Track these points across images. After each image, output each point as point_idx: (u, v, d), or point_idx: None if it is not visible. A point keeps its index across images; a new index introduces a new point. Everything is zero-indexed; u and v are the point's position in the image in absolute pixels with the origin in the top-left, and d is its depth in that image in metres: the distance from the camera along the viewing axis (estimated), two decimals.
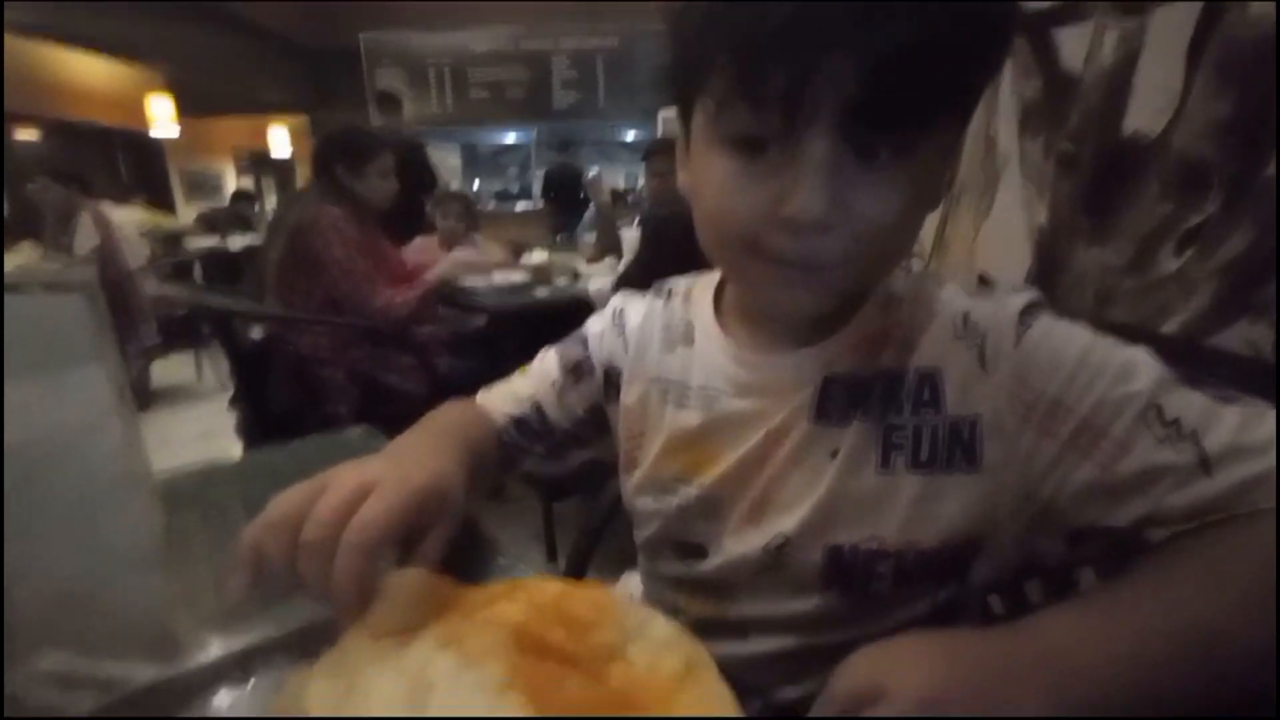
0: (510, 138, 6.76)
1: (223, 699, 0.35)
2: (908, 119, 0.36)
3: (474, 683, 0.29)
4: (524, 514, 1.84)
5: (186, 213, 6.40)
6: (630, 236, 2.48)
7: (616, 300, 0.61)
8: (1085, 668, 0.32)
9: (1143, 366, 0.38)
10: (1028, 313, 0.42)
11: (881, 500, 0.43)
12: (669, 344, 0.54)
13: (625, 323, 0.58)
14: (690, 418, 0.50)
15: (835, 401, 0.44)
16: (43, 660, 0.40)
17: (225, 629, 0.38)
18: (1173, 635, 0.32)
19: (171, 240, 4.44)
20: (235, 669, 0.36)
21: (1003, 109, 1.10)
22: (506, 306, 2.10)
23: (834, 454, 0.44)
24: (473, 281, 2.24)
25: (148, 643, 0.37)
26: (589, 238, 3.04)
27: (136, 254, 3.46)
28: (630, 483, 0.56)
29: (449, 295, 2.11)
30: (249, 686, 0.35)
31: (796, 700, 0.47)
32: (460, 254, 2.28)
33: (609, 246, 2.66)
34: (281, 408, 1.82)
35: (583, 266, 2.54)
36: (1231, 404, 0.37)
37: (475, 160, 6.68)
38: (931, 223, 1.25)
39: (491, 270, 2.33)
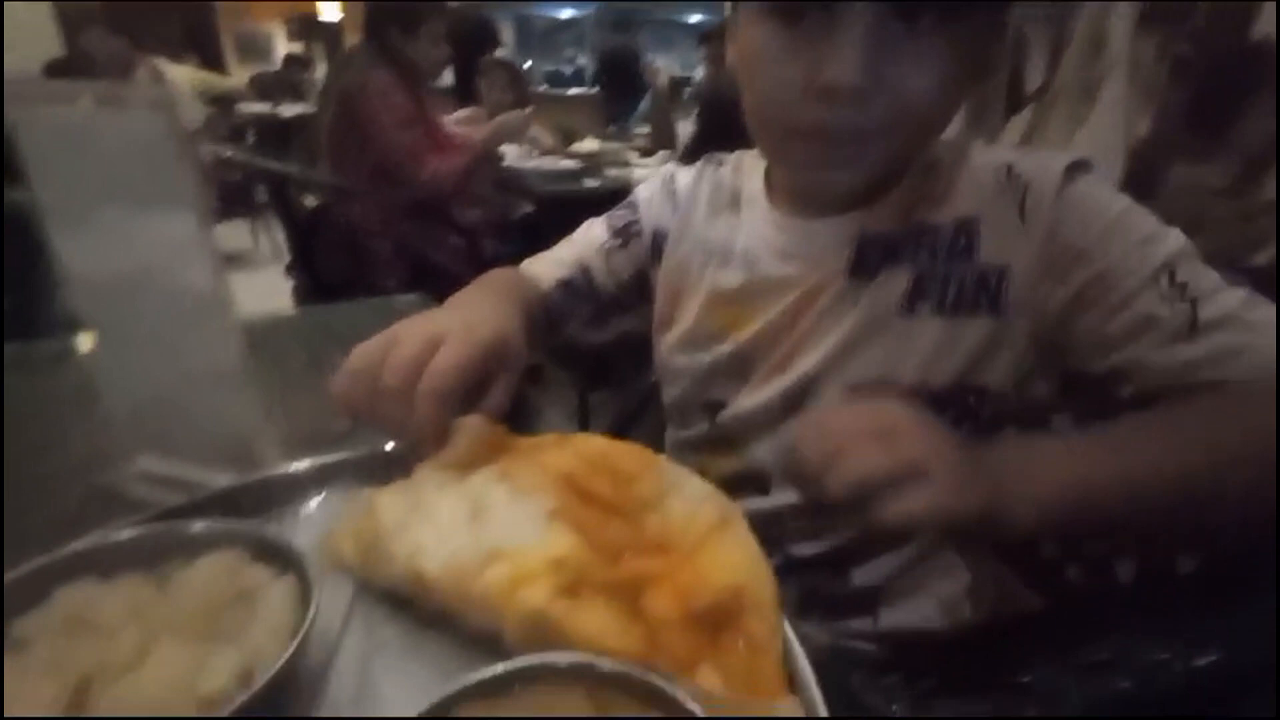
0: (567, 12, 6.35)
1: (298, 508, 0.39)
2: None
3: (525, 510, 0.32)
4: (560, 400, 1.91)
5: (238, 75, 6.31)
6: (686, 130, 2.37)
7: (668, 168, 0.62)
8: (1070, 481, 0.35)
9: (1173, 236, 0.41)
10: (1073, 169, 0.43)
11: (901, 341, 0.45)
12: (715, 209, 0.56)
13: (676, 187, 0.59)
14: (732, 278, 0.52)
15: (869, 258, 0.46)
16: (138, 461, 0.45)
17: (301, 449, 0.41)
18: (1153, 466, 0.35)
19: (225, 102, 4.41)
20: (311, 482, 0.39)
21: (1118, 6, 0.98)
22: (554, 193, 2.06)
23: (858, 302, 0.46)
24: (521, 164, 2.19)
25: (229, 451, 0.41)
26: (643, 129, 2.91)
27: (191, 115, 3.46)
28: (665, 341, 0.58)
29: (498, 178, 2.08)
30: (322, 497, 0.39)
31: (815, 556, 0.51)
32: (505, 116, 2.19)
33: (664, 139, 2.55)
34: (334, 277, 1.87)
35: (635, 158, 2.45)
36: (1245, 290, 0.39)
37: (529, 35, 6.34)
38: (1017, 130, 1.15)
39: (531, 130, 2.24)
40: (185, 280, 0.36)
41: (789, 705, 0.26)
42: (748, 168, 0.56)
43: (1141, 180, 0.94)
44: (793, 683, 0.27)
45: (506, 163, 2.20)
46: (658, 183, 0.61)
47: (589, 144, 2.46)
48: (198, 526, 0.31)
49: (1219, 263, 0.41)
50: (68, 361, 0.65)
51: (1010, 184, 0.43)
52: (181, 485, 0.42)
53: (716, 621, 0.29)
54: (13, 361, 0.67)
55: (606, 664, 0.25)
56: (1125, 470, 0.35)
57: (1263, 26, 0.80)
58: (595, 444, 0.37)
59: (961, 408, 0.46)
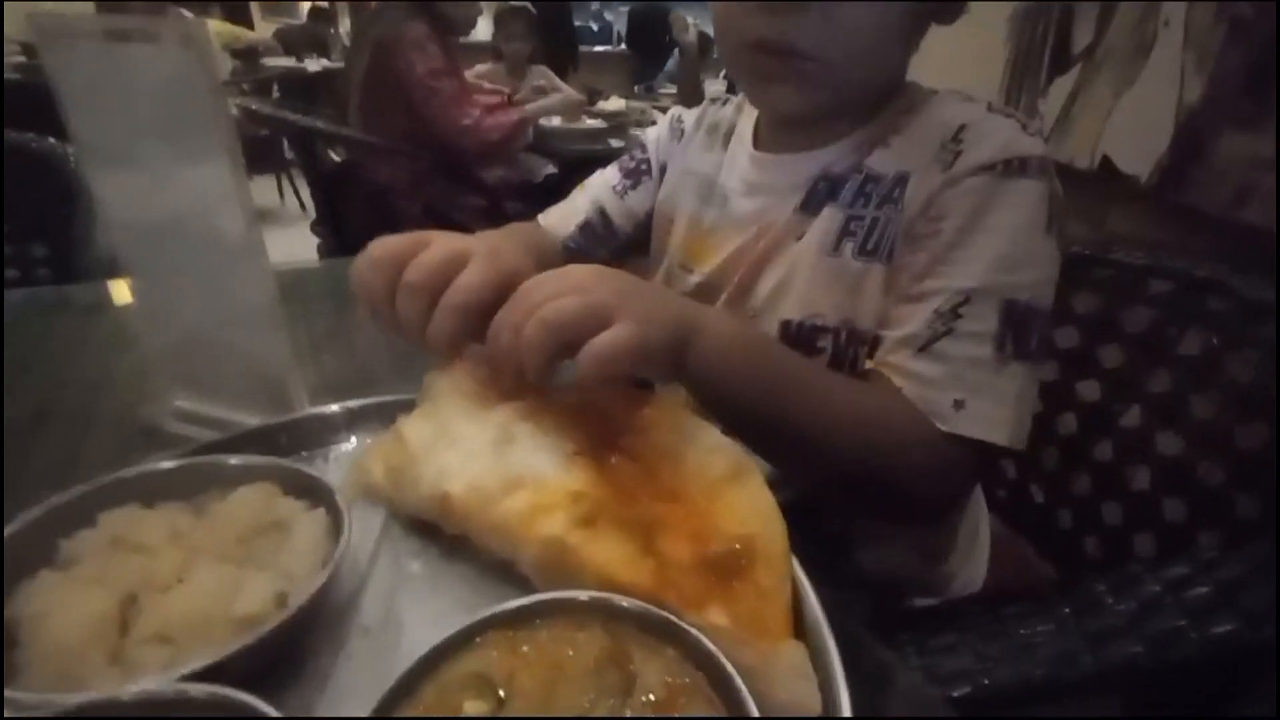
0: None
1: (329, 450, 0.40)
2: None
3: (548, 445, 0.32)
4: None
5: (263, 28, 6.26)
6: (714, 89, 2.31)
7: (675, 109, 0.65)
8: (751, 343, 0.39)
9: (1016, 276, 0.41)
10: (1014, 166, 0.42)
11: (827, 280, 0.47)
12: (710, 142, 0.58)
13: (683, 124, 0.62)
14: (709, 213, 0.55)
15: (819, 195, 0.48)
16: (175, 400, 0.46)
17: (329, 398, 0.42)
18: (811, 386, 0.40)
19: (250, 55, 4.40)
20: (342, 425, 0.40)
21: None
22: (578, 152, 2.04)
23: (799, 237, 0.48)
24: (546, 123, 2.16)
25: (261, 392, 0.42)
26: (670, 89, 2.85)
27: (220, 69, 3.45)
28: (658, 273, 0.61)
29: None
30: (352, 441, 0.40)
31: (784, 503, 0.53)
32: (566, 97, 2.19)
33: (691, 97, 2.49)
34: (359, 235, 1.88)
35: (661, 118, 2.40)
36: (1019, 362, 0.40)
37: None
38: (1062, 91, 1.11)
39: (580, 110, 2.24)
40: (220, 223, 0.37)
41: (793, 648, 0.26)
42: (748, 108, 0.58)
43: (1188, 149, 0.91)
44: (800, 629, 0.28)
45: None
46: (665, 122, 0.63)
47: (614, 103, 2.42)
48: (233, 460, 0.33)
49: (1264, 237, 0.40)
50: (107, 304, 0.67)
51: (951, 145, 0.43)
52: (216, 423, 0.43)
53: (727, 569, 0.29)
54: (53, 304, 0.69)
55: (624, 601, 0.26)
56: (795, 371, 0.40)
57: None
58: (617, 391, 0.38)
59: (872, 350, 0.47)
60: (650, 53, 3.54)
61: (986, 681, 0.34)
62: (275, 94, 4.27)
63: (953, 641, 0.38)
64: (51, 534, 0.28)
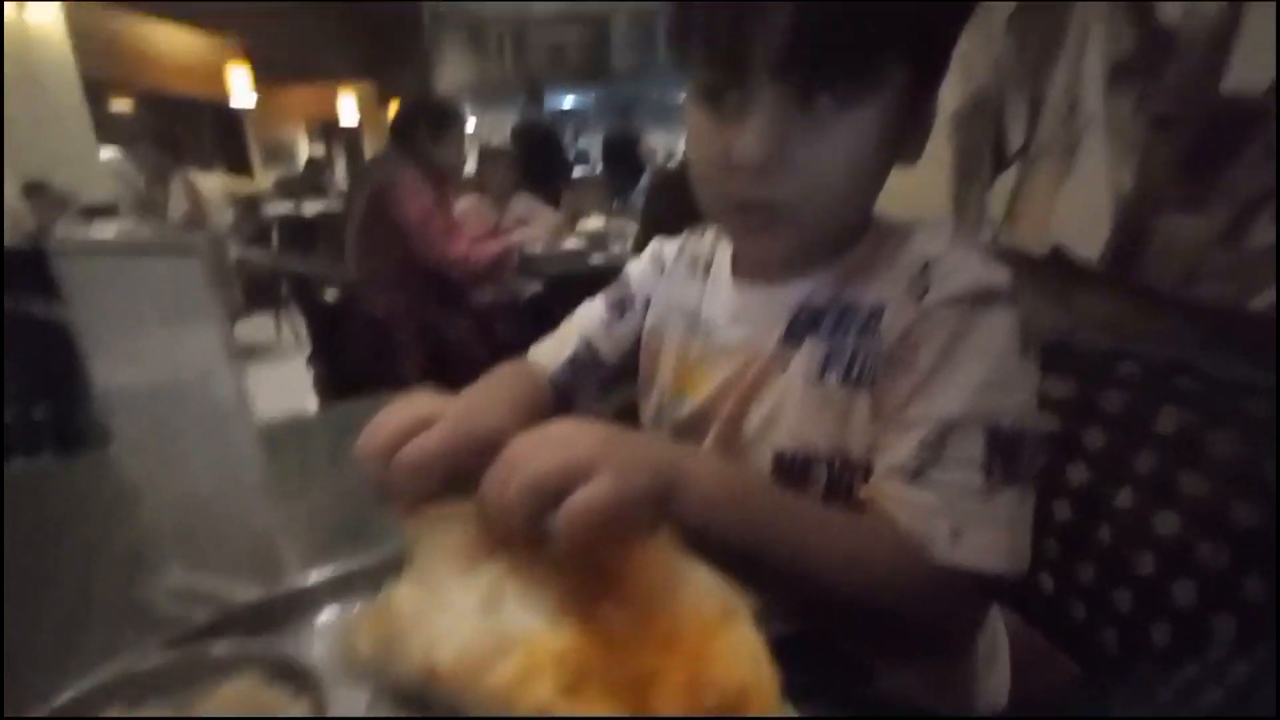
0: (568, 102, 6.74)
1: (323, 618, 0.40)
2: (843, 66, 0.39)
3: (538, 603, 0.32)
4: None
5: (263, 178, 6.70)
6: None
7: (656, 243, 0.66)
8: (735, 489, 0.38)
9: (1003, 402, 0.41)
10: (981, 299, 0.43)
11: (815, 410, 0.47)
12: (692, 273, 0.60)
13: (664, 257, 0.64)
14: (695, 343, 0.56)
15: (798, 327, 0.49)
16: (168, 576, 0.46)
17: (323, 557, 0.42)
18: (782, 523, 0.39)
19: (251, 205, 4.68)
20: (331, 593, 0.40)
21: (1088, 66, 1.03)
22: (562, 272, 2.13)
23: (785, 368, 0.49)
24: (531, 247, 2.28)
25: (255, 562, 0.42)
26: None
27: (221, 219, 3.67)
28: (647, 405, 0.61)
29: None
30: (340, 609, 0.40)
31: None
32: (548, 221, 2.34)
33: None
34: (354, 366, 1.93)
35: (645, 252, 2.53)
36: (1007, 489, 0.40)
37: None
38: (1005, 186, 1.19)
39: (563, 237, 2.38)
40: (213, 400, 0.39)
41: None
42: (725, 238, 0.60)
43: (1132, 233, 0.96)
44: None
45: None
46: (647, 256, 0.66)
47: (594, 222, 2.56)
48: (219, 649, 0.32)
49: (1219, 313, 0.41)
50: (104, 474, 0.68)
51: (920, 279, 0.45)
52: (208, 599, 0.43)
53: (722, 717, 0.29)
54: (51, 473, 0.70)
55: None
56: (784, 511, 0.40)
57: (1233, 80, 0.84)
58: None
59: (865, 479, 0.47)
60: (625, 173, 3.79)
61: None
62: (276, 236, 4.51)
63: None
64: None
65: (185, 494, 0.44)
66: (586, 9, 5.80)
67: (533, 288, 2.22)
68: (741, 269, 0.55)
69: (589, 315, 0.65)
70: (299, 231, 4.51)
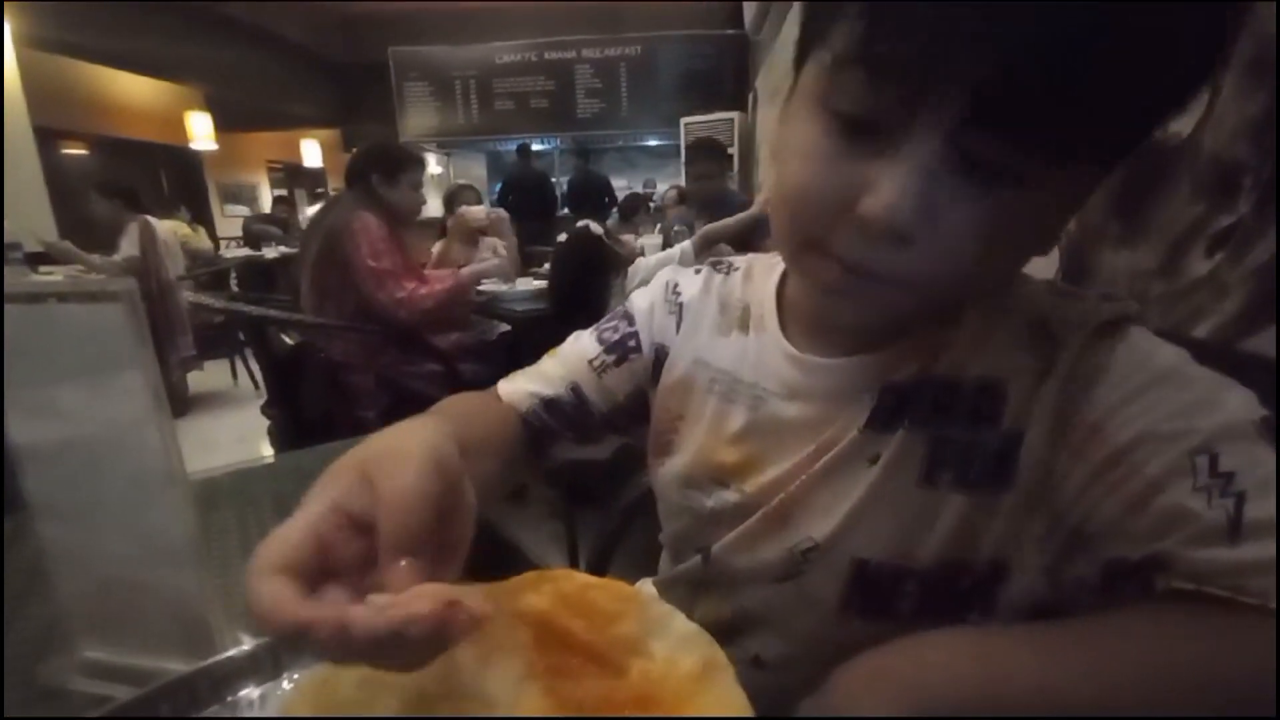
0: (535, 147, 6.86)
1: (253, 692, 0.36)
2: (1047, 139, 0.29)
3: (496, 674, 0.30)
4: (545, 518, 1.86)
5: (225, 225, 6.60)
6: (649, 241, 2.49)
7: (667, 273, 0.55)
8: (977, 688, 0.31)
9: (1230, 405, 0.33)
10: (1114, 325, 0.36)
11: (918, 516, 0.39)
12: (724, 326, 0.50)
13: (681, 297, 0.52)
14: (737, 415, 0.46)
15: (887, 412, 0.40)
16: (84, 650, 0.42)
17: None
18: (1083, 679, 0.31)
19: (206, 253, 4.58)
20: (267, 662, 0.37)
21: None
22: (529, 313, 2.12)
23: (874, 460, 0.40)
24: (495, 288, 2.27)
25: (183, 633, 0.38)
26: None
27: (178, 265, 3.58)
28: (663, 470, 0.51)
29: (475, 304, 2.15)
30: (281, 681, 0.37)
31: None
32: (492, 264, 2.32)
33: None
34: (313, 412, 1.86)
35: (652, 283, 2.54)
36: None
37: (499, 169, 6.79)
38: None
39: (516, 272, 2.37)
40: (139, 458, 0.36)
41: None
42: (758, 277, 0.50)
43: (1077, 268, 1.00)
44: None
45: (481, 287, 2.29)
46: (659, 289, 0.54)
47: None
48: None
49: (1165, 338, 0.37)
50: (22, 541, 0.63)
51: (1041, 341, 0.37)
52: (130, 674, 0.39)
53: None
54: None
55: None
56: (1047, 679, 0.31)
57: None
58: (574, 582, 0.36)
59: (980, 594, 0.40)
60: (589, 213, 3.85)
61: None
62: (233, 281, 4.41)
63: None
64: None
65: (106, 559, 0.40)
66: (551, 57, 5.96)
67: (501, 328, 2.20)
68: (803, 329, 0.45)
69: (577, 354, 0.54)
70: (259, 273, 4.43)
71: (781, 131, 0.38)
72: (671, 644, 0.33)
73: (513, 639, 0.32)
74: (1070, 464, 0.35)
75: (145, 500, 0.37)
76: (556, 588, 0.35)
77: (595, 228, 2.03)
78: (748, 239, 1.89)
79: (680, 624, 0.34)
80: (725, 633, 0.45)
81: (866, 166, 0.32)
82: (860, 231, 0.32)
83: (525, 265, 2.65)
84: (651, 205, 4.28)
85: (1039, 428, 0.36)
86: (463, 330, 2.12)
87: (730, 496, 0.46)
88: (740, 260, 0.54)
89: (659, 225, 2.21)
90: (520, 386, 0.53)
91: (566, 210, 5.21)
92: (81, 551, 0.40)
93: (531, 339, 2.14)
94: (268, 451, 2.07)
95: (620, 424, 0.55)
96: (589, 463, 0.63)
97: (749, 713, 0.30)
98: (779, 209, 0.38)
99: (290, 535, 0.26)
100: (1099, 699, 0.30)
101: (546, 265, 2.52)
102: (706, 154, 2.54)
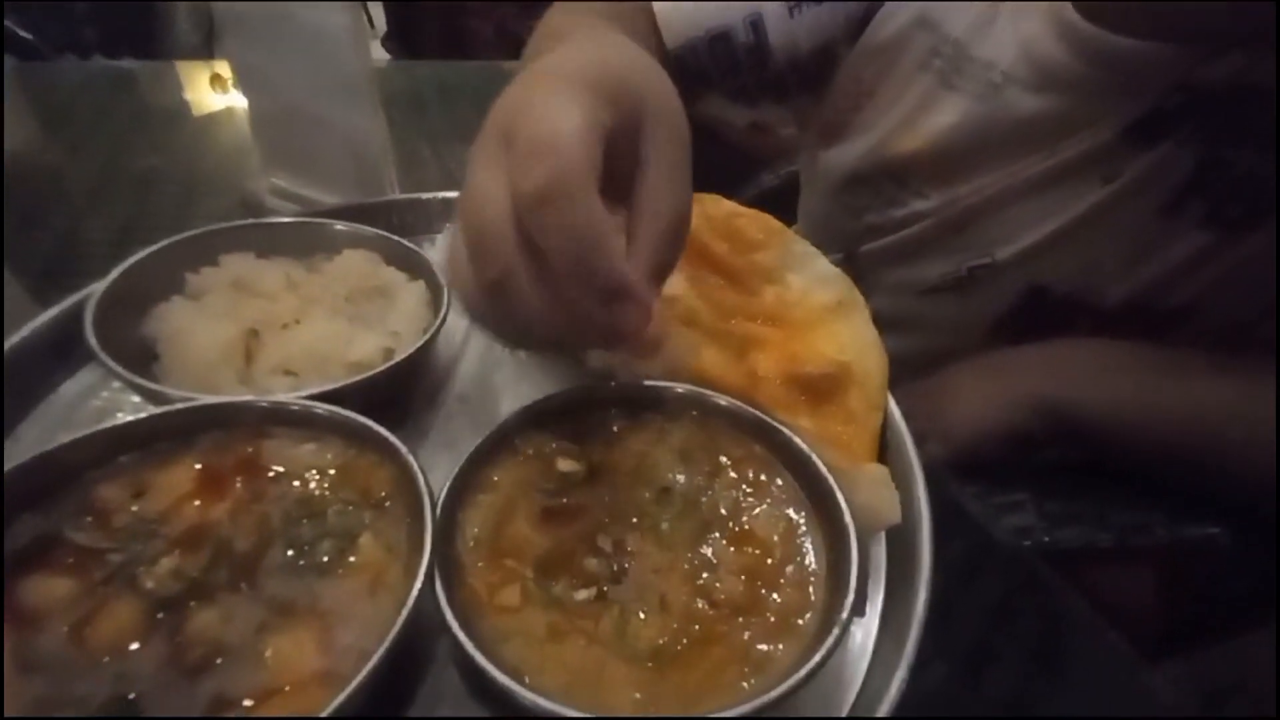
0: None
1: (426, 236, 0.39)
2: None
3: None
4: None
5: None
6: None
7: None
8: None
9: None
10: None
11: (1138, 250, 0.33)
12: None
13: None
14: (951, 105, 0.36)
15: (1164, 114, 0.31)
16: (272, 176, 0.47)
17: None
18: (1176, 409, 0.31)
19: None
20: (437, 214, 0.39)
21: None
22: None
23: (1109, 179, 0.33)
24: None
25: (356, 174, 0.42)
26: None
27: None
28: (825, 156, 0.44)
29: None
30: (447, 230, 0.40)
31: None
32: None
33: None
34: (429, 52, 1.81)
35: None
36: None
37: None
38: None
39: None
40: (325, 15, 0.35)
41: (875, 471, 0.26)
42: None
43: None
44: (884, 456, 0.28)
45: None
46: None
47: None
48: (339, 225, 0.33)
49: None
50: (183, 83, 0.68)
51: None
52: (310, 203, 0.44)
53: (819, 390, 0.29)
54: (122, 79, 0.70)
55: (717, 397, 0.27)
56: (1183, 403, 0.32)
57: None
58: (721, 208, 0.36)
59: (1153, 335, 0.35)
60: None
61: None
62: None
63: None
64: (178, 265, 0.29)
65: (294, 100, 0.42)
66: None
67: None
68: None
69: None
70: None
71: None
72: (809, 278, 0.34)
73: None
74: None
75: (333, 47, 0.37)
76: (704, 209, 0.35)
77: None
78: None
79: (822, 264, 0.34)
80: None
81: None
82: None
83: None
84: None
85: None
86: None
87: (919, 205, 0.39)
88: None
89: None
90: (686, 13, 0.42)
91: None
92: (272, 90, 0.41)
93: None
94: None
95: (789, 85, 0.44)
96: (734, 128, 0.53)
97: (876, 345, 0.31)
98: None
99: (589, 139, 0.19)
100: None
101: None
102: None
